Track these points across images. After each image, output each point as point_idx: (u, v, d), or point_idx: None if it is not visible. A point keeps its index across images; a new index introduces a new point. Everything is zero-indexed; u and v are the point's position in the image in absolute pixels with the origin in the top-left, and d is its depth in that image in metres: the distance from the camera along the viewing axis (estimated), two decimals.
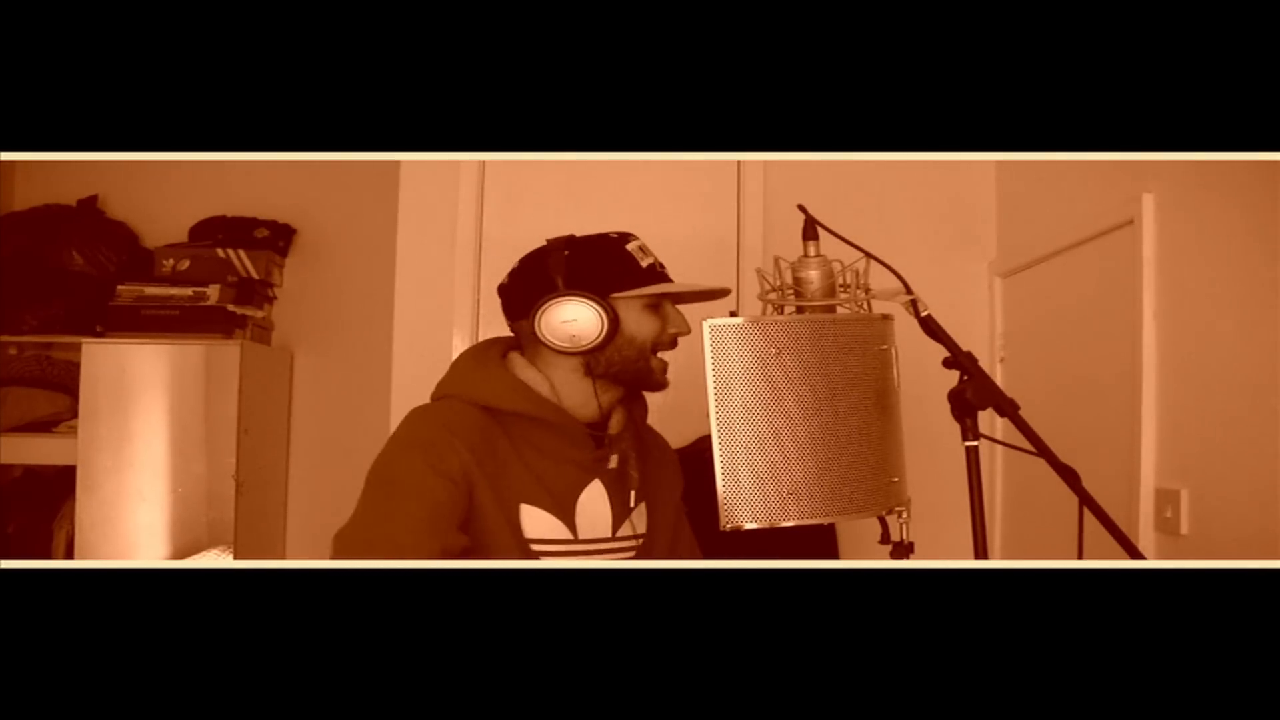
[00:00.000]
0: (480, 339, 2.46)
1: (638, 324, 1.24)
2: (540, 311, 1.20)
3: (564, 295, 1.19)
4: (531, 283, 1.23)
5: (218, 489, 2.70)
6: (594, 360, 1.23)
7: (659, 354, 1.27)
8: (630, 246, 1.25)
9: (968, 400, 1.06)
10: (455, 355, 2.47)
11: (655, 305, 1.26)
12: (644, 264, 1.24)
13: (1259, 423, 1.47)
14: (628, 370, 1.24)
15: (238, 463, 2.69)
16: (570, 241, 1.23)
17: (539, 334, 1.21)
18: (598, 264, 1.22)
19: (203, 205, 3.02)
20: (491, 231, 2.51)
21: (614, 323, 1.20)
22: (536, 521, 1.21)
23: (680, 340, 1.29)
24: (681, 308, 1.31)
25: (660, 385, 1.29)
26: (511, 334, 1.33)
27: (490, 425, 1.22)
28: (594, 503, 1.25)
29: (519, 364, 1.29)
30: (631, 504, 1.30)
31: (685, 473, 1.45)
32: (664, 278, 1.26)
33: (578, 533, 1.23)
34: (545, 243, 1.25)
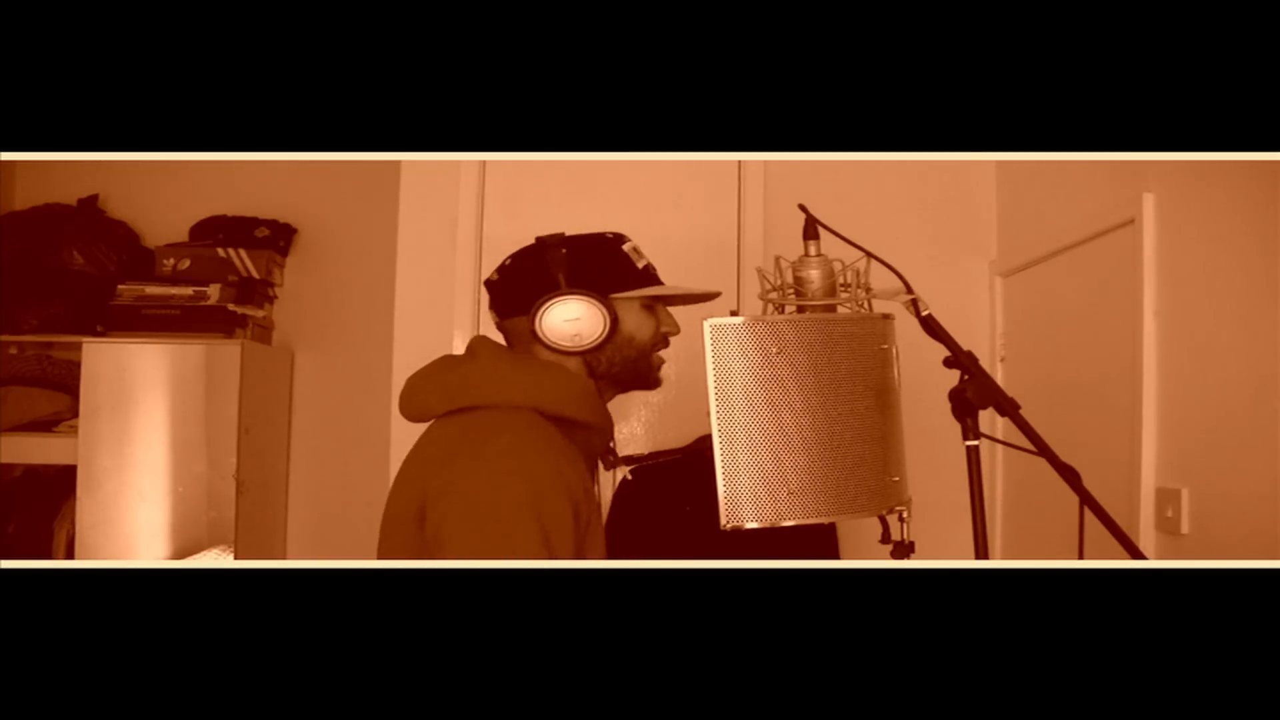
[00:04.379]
0: None
1: (638, 324, 1.24)
2: (542, 309, 1.18)
3: (567, 293, 1.18)
4: (530, 279, 1.21)
5: (218, 488, 2.70)
6: (596, 360, 1.22)
7: (656, 352, 1.27)
8: (626, 248, 1.25)
9: (968, 399, 1.06)
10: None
11: (650, 305, 1.26)
12: (640, 265, 1.24)
13: (1259, 422, 1.47)
14: (628, 369, 1.24)
15: (238, 462, 2.69)
16: (567, 239, 1.23)
17: (539, 332, 1.19)
18: (598, 264, 1.22)
19: (203, 205, 3.02)
20: (492, 231, 2.51)
21: (614, 323, 1.19)
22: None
23: (680, 339, 1.29)
24: (681, 309, 1.31)
25: (658, 383, 1.29)
26: (498, 331, 1.30)
27: (564, 440, 1.16)
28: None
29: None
30: None
31: (686, 472, 1.45)
32: (657, 280, 1.26)
33: None
34: (535, 240, 1.25)
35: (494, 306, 1.28)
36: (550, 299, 1.18)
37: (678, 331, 1.28)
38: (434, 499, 1.09)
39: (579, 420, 1.19)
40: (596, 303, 1.19)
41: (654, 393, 1.32)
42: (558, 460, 1.11)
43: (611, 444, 1.31)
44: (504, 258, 1.27)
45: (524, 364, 1.22)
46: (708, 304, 1.28)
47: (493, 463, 1.08)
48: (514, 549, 1.03)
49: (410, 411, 1.24)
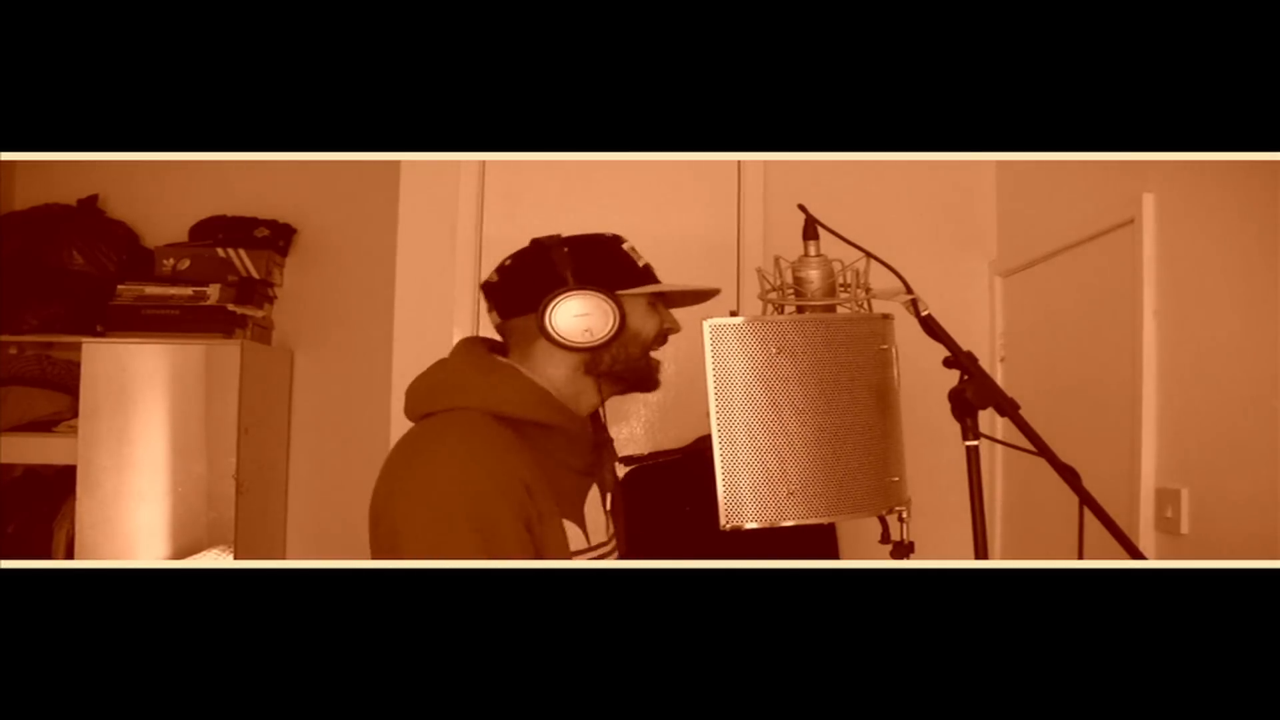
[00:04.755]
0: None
1: (643, 321, 1.24)
2: (551, 305, 1.18)
3: (577, 289, 1.19)
4: (535, 278, 1.21)
5: (218, 489, 2.70)
6: (597, 358, 1.22)
7: (652, 352, 1.28)
8: (625, 247, 1.25)
9: (968, 400, 1.06)
10: None
11: (653, 303, 1.26)
12: (640, 264, 1.25)
13: (1259, 422, 1.47)
14: (630, 368, 1.24)
15: (238, 462, 2.69)
16: (566, 240, 1.23)
17: (547, 328, 1.18)
18: (602, 261, 1.22)
19: (203, 205, 3.02)
20: (491, 231, 2.51)
21: (623, 318, 1.20)
22: (572, 535, 1.20)
23: (679, 340, 1.29)
24: (679, 309, 1.31)
25: (657, 384, 1.29)
26: (497, 333, 1.31)
27: (514, 438, 1.18)
28: (594, 507, 1.26)
29: (521, 368, 1.25)
30: (608, 506, 1.30)
31: (686, 472, 1.45)
32: (656, 279, 1.27)
33: (590, 539, 1.23)
34: (530, 242, 1.25)
35: (496, 308, 1.28)
36: (559, 295, 1.18)
37: (678, 329, 1.29)
38: (382, 505, 1.13)
39: (533, 421, 1.20)
40: (606, 298, 1.19)
41: (654, 393, 1.32)
42: (501, 462, 1.12)
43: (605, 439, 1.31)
44: (501, 260, 1.27)
45: (481, 368, 1.24)
46: (707, 304, 1.29)
47: (433, 471, 1.12)
48: (449, 553, 1.06)
49: (406, 413, 1.26)
